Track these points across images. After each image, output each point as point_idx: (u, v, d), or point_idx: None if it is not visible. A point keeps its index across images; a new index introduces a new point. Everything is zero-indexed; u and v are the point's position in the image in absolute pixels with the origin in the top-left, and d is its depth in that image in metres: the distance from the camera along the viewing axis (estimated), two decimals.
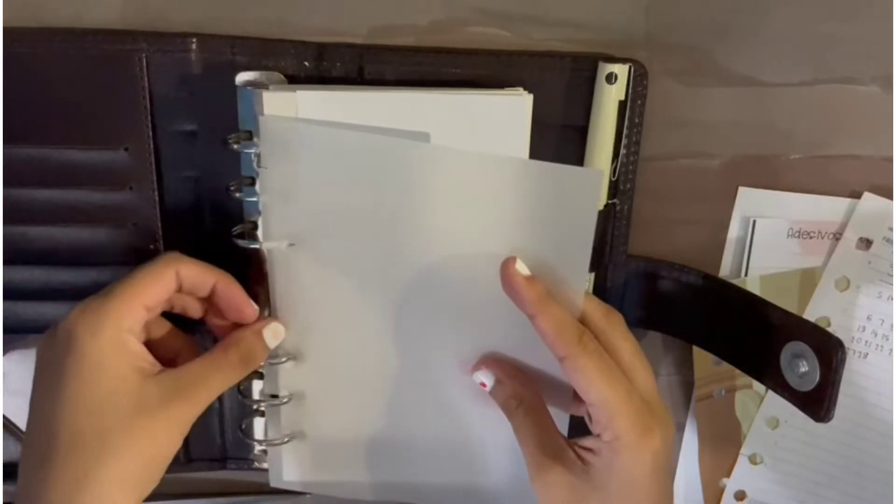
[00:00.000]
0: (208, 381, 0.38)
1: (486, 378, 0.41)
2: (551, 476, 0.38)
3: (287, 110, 0.39)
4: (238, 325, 0.41)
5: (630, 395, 0.36)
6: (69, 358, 0.35)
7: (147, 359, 0.37)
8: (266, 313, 0.42)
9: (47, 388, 0.36)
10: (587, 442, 0.38)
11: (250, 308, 0.41)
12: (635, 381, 0.38)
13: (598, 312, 0.39)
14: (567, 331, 0.37)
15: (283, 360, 0.43)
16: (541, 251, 0.38)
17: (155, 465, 0.36)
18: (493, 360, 0.41)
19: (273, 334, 0.41)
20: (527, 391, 0.40)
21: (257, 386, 0.46)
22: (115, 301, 0.36)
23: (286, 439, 0.46)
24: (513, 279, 0.37)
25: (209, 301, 0.41)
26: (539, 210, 0.37)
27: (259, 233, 0.41)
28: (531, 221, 0.38)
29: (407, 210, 0.39)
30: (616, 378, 0.36)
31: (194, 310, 0.41)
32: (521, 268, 0.37)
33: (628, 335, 0.39)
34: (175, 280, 0.38)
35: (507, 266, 0.37)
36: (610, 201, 0.44)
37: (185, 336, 0.42)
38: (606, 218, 0.44)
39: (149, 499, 0.50)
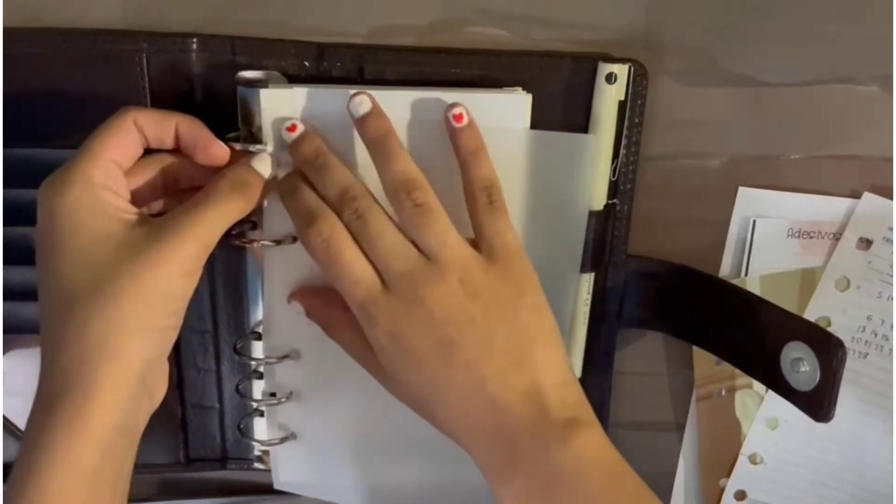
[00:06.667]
0: (202, 216, 0.36)
1: (296, 309, 0.42)
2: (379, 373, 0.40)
3: (283, 107, 0.39)
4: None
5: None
6: (46, 226, 0.35)
7: (130, 210, 0.36)
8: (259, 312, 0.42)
9: (40, 265, 0.36)
10: None
11: (219, 147, 0.39)
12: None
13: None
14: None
15: (282, 359, 0.43)
16: (539, 221, 0.38)
17: (159, 310, 0.35)
18: (305, 290, 0.42)
19: (261, 162, 0.39)
20: (341, 310, 0.39)
21: (257, 386, 0.46)
22: (79, 161, 0.36)
23: (282, 440, 0.46)
24: (456, 121, 0.38)
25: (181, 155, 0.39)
26: (537, 177, 0.38)
27: (259, 232, 0.41)
28: (530, 189, 0.38)
29: None
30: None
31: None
32: (468, 114, 0.38)
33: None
34: (134, 128, 0.37)
35: (452, 109, 0.38)
36: (610, 201, 0.44)
37: (182, 193, 0.40)
38: (606, 218, 0.44)
39: (149, 499, 0.51)
